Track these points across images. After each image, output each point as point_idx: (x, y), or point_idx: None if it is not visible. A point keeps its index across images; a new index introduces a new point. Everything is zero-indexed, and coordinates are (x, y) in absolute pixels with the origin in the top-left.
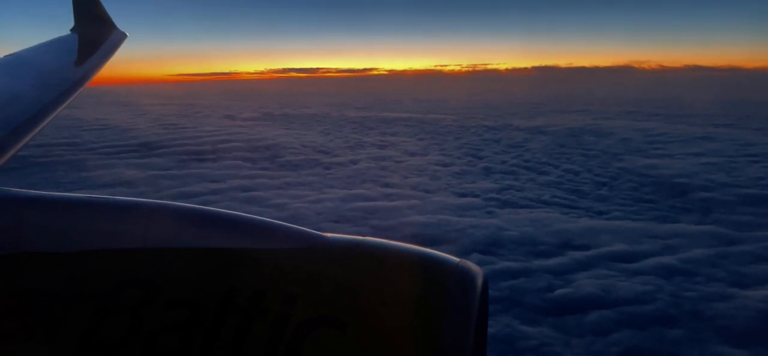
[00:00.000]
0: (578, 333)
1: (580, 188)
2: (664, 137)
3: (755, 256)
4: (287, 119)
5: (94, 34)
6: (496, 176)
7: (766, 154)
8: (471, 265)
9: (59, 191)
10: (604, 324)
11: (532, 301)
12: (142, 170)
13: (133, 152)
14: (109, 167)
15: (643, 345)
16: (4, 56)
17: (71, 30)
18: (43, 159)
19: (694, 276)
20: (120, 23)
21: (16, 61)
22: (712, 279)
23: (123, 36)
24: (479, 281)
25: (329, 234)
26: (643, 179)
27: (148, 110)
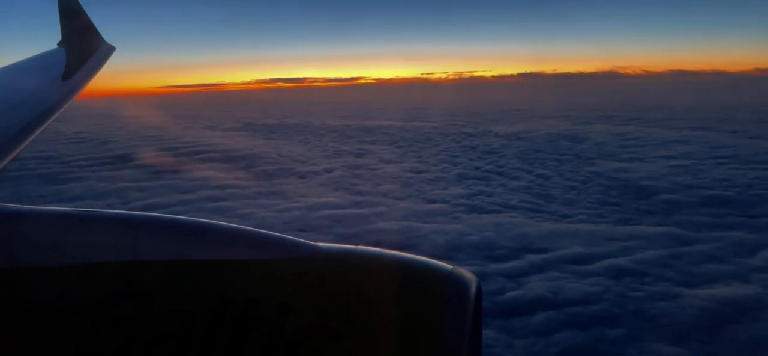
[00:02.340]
0: (522, 334)
1: (549, 193)
2: (638, 140)
3: (707, 256)
4: (268, 128)
5: (82, 47)
6: (468, 182)
7: (734, 156)
8: (464, 272)
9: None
10: (548, 325)
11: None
12: (112, 182)
13: (106, 165)
14: (81, 179)
15: (582, 345)
16: None
17: (58, 44)
18: (15, 173)
19: (643, 276)
20: (107, 36)
21: (3, 76)
22: (661, 278)
23: (111, 49)
24: (473, 288)
25: (322, 243)
26: (611, 183)
27: (130, 122)
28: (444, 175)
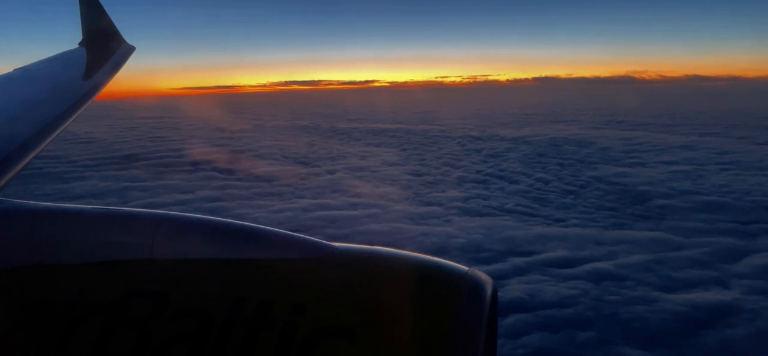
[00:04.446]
0: None
1: (546, 197)
2: (644, 146)
3: (692, 261)
4: (277, 130)
5: (102, 47)
6: (467, 186)
7: (737, 162)
8: (480, 274)
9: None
10: (520, 327)
11: None
12: (115, 181)
13: (113, 165)
14: (85, 179)
15: (550, 347)
16: (14, 70)
17: (80, 44)
18: (22, 171)
19: (624, 280)
20: (127, 36)
21: (26, 75)
22: (641, 283)
23: (131, 49)
24: (488, 290)
25: (337, 244)
26: (610, 188)
27: (142, 122)
28: (444, 178)
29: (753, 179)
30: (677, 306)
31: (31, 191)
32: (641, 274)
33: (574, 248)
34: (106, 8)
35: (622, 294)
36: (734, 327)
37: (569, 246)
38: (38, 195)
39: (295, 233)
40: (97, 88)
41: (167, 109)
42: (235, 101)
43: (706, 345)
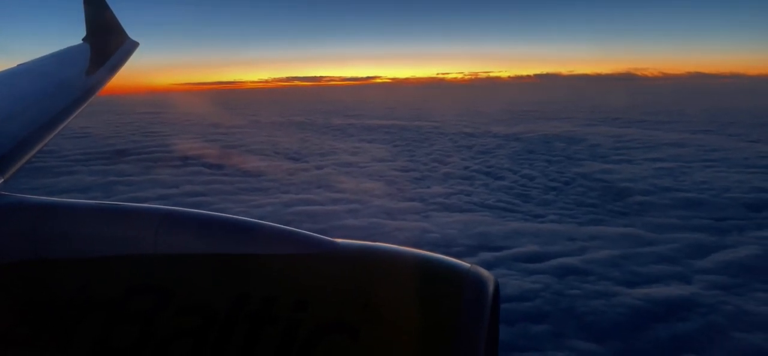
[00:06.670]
0: None
1: (529, 193)
2: (633, 143)
3: (660, 257)
4: (272, 126)
5: (106, 43)
6: (452, 182)
7: (724, 159)
8: (482, 271)
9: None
10: None
11: None
12: (102, 176)
13: (103, 159)
14: (73, 173)
15: (503, 340)
16: (18, 65)
17: (83, 39)
18: None
19: (587, 275)
20: (130, 32)
21: (29, 71)
22: (604, 278)
23: (134, 45)
24: (491, 287)
25: (340, 240)
26: (594, 184)
27: (140, 118)
28: (430, 174)
29: (735, 176)
30: (634, 300)
31: (20, 186)
32: (606, 269)
33: (545, 244)
34: (110, 4)
35: (583, 288)
36: (687, 321)
37: (541, 242)
38: (26, 189)
39: (297, 229)
40: (100, 84)
41: (166, 104)
42: (235, 97)
43: (656, 338)
